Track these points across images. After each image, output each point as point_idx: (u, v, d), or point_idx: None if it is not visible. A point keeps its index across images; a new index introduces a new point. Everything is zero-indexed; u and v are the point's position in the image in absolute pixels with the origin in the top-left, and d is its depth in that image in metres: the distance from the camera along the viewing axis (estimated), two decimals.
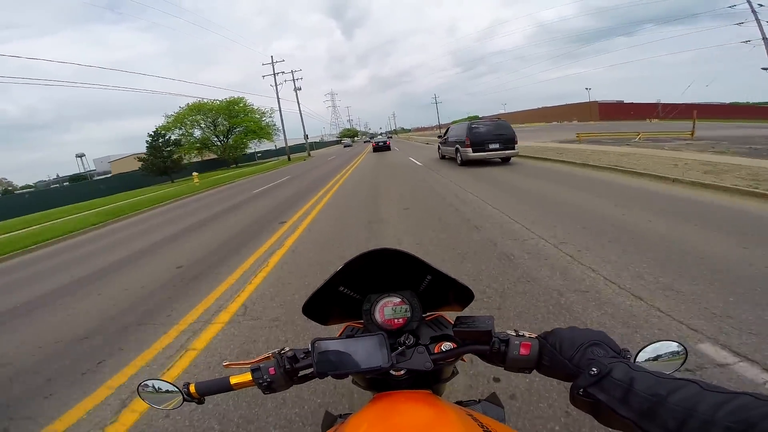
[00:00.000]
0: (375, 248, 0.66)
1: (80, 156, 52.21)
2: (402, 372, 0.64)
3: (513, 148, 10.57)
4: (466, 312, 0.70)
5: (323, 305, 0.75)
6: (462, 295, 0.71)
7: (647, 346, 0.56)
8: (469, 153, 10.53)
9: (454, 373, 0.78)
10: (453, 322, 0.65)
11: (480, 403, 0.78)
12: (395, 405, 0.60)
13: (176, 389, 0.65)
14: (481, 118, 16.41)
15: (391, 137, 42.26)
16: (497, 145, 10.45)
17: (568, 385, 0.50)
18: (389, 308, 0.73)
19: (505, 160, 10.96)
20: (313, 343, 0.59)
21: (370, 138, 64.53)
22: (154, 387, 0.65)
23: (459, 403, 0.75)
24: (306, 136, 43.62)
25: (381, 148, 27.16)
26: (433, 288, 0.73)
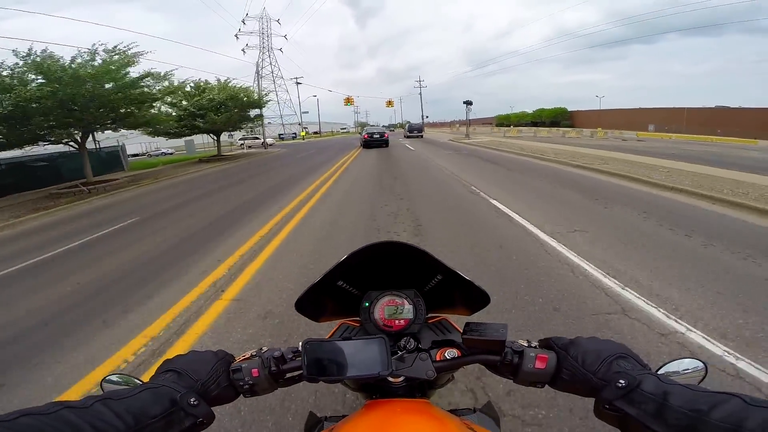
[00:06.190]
0: (383, 240, 0.62)
1: None
2: (401, 379, 0.61)
3: (421, 133, 34.33)
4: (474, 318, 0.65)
5: (317, 300, 0.70)
6: (474, 299, 0.67)
7: (665, 363, 0.53)
8: (407, 133, 34.47)
9: (450, 380, 0.74)
10: (459, 328, 0.63)
11: (476, 413, 0.74)
12: (392, 415, 0.57)
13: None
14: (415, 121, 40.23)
15: (392, 130, 41.11)
16: (416, 132, 34.14)
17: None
18: (391, 308, 0.69)
19: (420, 138, 34.32)
20: (304, 345, 0.54)
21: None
22: (119, 382, 0.57)
23: (454, 411, 0.70)
24: None
25: (376, 141, 22.10)
26: (440, 288, 0.69)
